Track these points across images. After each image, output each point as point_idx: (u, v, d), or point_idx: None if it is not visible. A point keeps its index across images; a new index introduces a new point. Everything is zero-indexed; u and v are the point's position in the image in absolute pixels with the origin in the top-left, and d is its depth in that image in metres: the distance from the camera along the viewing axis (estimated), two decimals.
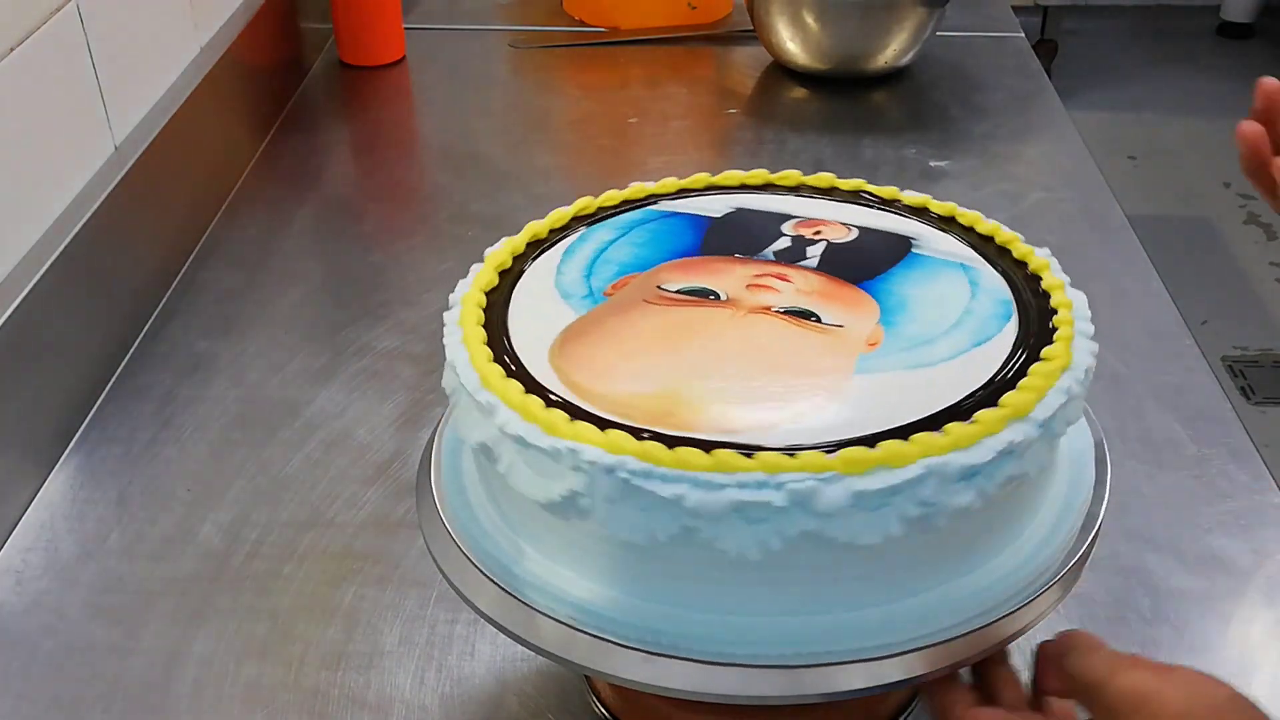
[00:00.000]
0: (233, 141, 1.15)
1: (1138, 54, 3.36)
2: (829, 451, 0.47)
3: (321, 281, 1.02)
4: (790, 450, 0.47)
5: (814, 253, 0.61)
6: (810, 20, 1.26)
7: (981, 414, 0.49)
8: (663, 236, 0.63)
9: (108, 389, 0.87)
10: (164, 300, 0.96)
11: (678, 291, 0.58)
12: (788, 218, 0.64)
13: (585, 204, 0.65)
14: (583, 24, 1.46)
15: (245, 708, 0.64)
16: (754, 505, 0.46)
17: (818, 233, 0.63)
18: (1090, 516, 0.55)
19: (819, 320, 0.56)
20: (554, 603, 0.51)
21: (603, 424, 0.49)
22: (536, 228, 0.63)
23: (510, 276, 0.60)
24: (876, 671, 0.48)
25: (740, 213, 0.65)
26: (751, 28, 1.34)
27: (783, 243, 0.62)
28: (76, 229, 0.83)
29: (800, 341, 0.54)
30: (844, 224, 0.64)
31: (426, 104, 1.34)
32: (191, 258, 1.02)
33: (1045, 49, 3.14)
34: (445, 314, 0.57)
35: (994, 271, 0.60)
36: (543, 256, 0.61)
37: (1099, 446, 0.58)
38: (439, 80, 1.36)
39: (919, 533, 0.47)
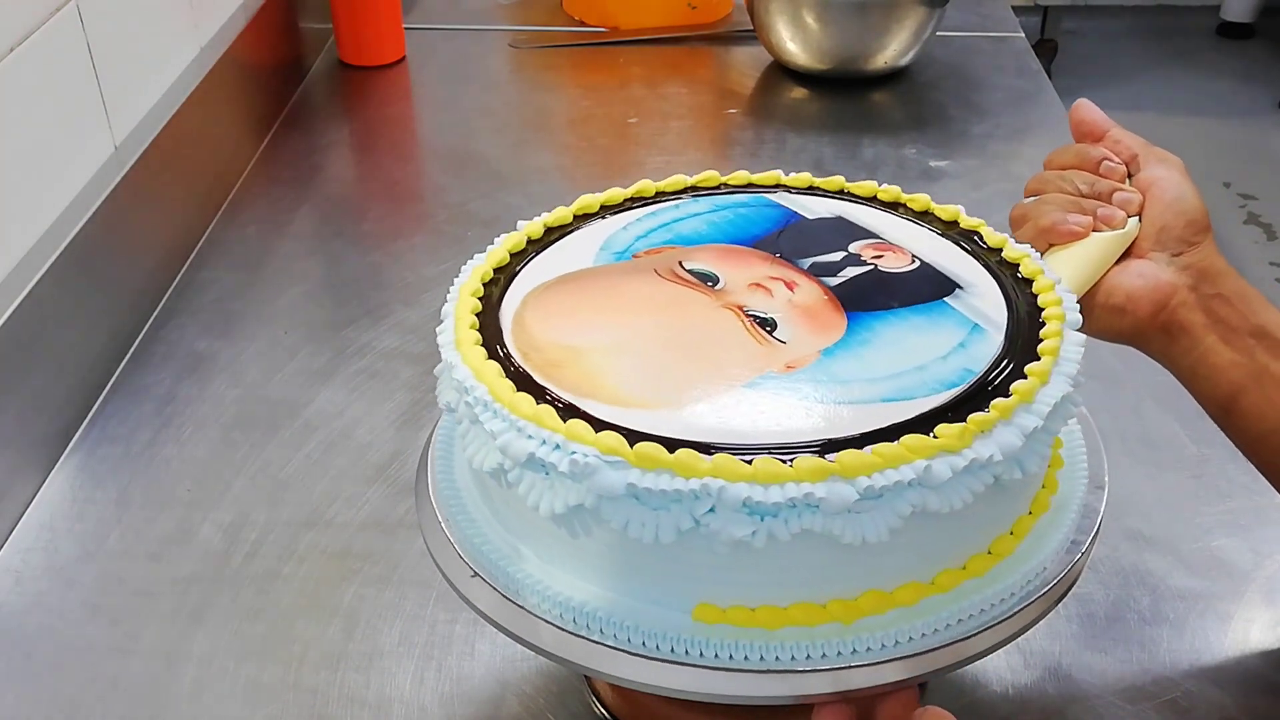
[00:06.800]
0: (233, 141, 1.15)
1: (1138, 54, 3.35)
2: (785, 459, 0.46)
3: (321, 281, 1.02)
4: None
5: (848, 274, 0.59)
6: (810, 20, 1.26)
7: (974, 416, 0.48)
8: (739, 223, 0.63)
9: (108, 389, 0.87)
10: (164, 300, 0.96)
11: (689, 271, 0.58)
12: (869, 236, 0.62)
13: (586, 203, 0.64)
14: (583, 24, 1.46)
15: (245, 708, 0.64)
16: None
17: (878, 257, 0.60)
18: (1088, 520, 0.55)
19: (772, 331, 0.55)
20: (552, 603, 0.50)
21: (598, 425, 0.48)
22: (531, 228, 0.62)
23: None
24: (877, 671, 0.48)
25: (825, 221, 0.63)
26: (751, 28, 1.34)
27: (833, 256, 0.60)
28: (76, 229, 0.83)
29: (733, 344, 0.54)
30: (912, 254, 0.60)
31: (426, 104, 1.34)
32: (191, 258, 1.02)
33: (1045, 49, 3.14)
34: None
35: (1000, 339, 0.54)
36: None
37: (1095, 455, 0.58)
38: (439, 80, 1.36)
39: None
